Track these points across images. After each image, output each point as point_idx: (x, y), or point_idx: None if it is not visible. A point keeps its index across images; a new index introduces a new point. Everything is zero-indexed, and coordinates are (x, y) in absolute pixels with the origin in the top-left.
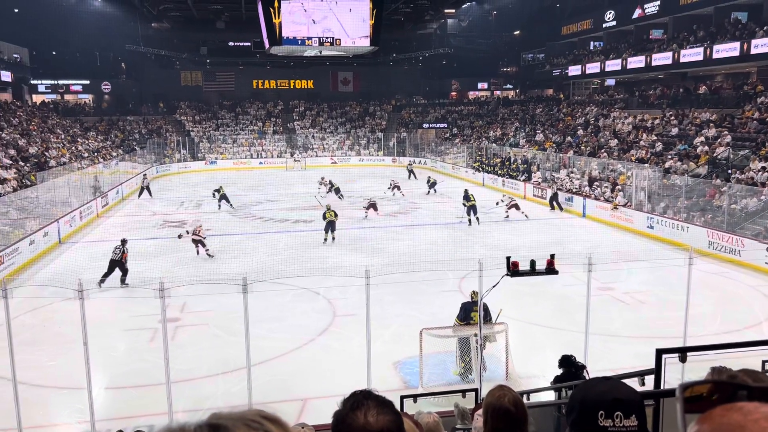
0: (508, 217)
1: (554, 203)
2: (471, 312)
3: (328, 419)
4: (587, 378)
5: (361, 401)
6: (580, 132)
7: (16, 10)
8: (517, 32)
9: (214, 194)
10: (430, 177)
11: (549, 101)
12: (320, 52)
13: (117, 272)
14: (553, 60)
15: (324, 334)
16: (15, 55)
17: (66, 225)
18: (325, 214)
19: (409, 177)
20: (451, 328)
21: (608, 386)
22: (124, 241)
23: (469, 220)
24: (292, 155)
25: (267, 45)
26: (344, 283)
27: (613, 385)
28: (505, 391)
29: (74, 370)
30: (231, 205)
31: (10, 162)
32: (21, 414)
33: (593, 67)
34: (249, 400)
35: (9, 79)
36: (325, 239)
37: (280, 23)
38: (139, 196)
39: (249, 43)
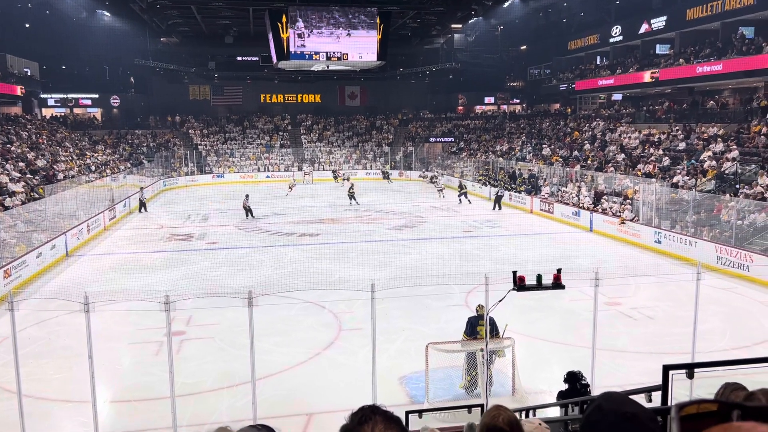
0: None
1: (498, 204)
2: (477, 326)
3: None
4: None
5: (368, 416)
6: (587, 146)
7: (27, 25)
8: (523, 47)
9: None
10: (461, 182)
11: (556, 116)
12: (327, 67)
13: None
14: (560, 74)
15: (330, 348)
16: (25, 69)
17: (73, 238)
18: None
19: (432, 180)
20: (458, 343)
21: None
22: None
23: (460, 200)
24: (300, 169)
25: (275, 59)
26: (350, 296)
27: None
28: (500, 411)
29: (79, 383)
30: (252, 216)
31: (19, 175)
32: (26, 427)
33: (600, 82)
34: (254, 414)
35: (19, 93)
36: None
37: (287, 38)
38: (139, 210)
39: (257, 58)
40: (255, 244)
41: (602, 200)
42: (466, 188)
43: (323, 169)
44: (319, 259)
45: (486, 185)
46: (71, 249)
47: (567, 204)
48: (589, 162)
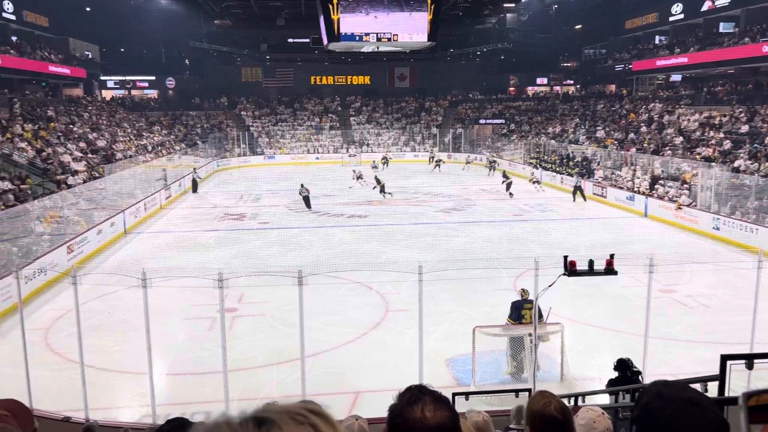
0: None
1: (578, 194)
2: (522, 310)
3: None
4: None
5: (417, 396)
6: (644, 129)
7: (88, 9)
8: (578, 26)
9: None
10: (505, 171)
11: (611, 97)
12: (377, 48)
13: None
14: (616, 55)
15: (376, 329)
16: (87, 52)
17: (131, 216)
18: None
19: (491, 170)
20: (504, 327)
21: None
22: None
23: (510, 194)
24: (347, 151)
25: (325, 41)
26: (397, 278)
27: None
28: (549, 398)
29: (137, 356)
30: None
31: (81, 155)
32: (88, 396)
33: (659, 62)
34: (302, 391)
35: (81, 76)
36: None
37: (338, 19)
38: (194, 190)
39: (308, 40)
40: (305, 224)
41: (658, 185)
42: (510, 178)
43: (371, 152)
44: (368, 240)
45: (537, 168)
46: (129, 226)
47: (621, 188)
48: (645, 145)
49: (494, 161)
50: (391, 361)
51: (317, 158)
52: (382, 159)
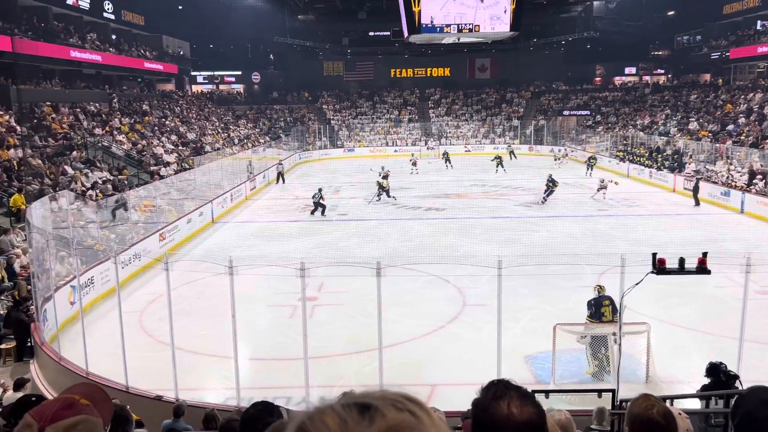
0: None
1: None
2: (602, 307)
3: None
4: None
5: (503, 391)
6: (742, 120)
7: (180, 8)
8: (671, 12)
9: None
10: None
11: (705, 87)
12: (458, 40)
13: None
14: (712, 42)
15: (453, 322)
16: (178, 49)
17: (218, 206)
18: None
19: (589, 168)
20: (586, 325)
21: None
22: (320, 189)
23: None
24: (425, 144)
25: (406, 33)
26: (475, 272)
27: None
28: (652, 401)
29: (222, 340)
30: (389, 195)
31: (172, 147)
32: (177, 377)
33: (760, 49)
34: (380, 380)
35: (173, 71)
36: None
37: (419, 11)
38: (277, 182)
39: (388, 33)
40: (383, 216)
41: (757, 179)
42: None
43: (450, 144)
44: (445, 233)
45: (624, 161)
46: (217, 216)
47: (715, 183)
48: (743, 137)
49: (594, 158)
50: (467, 355)
51: (395, 150)
52: (411, 159)
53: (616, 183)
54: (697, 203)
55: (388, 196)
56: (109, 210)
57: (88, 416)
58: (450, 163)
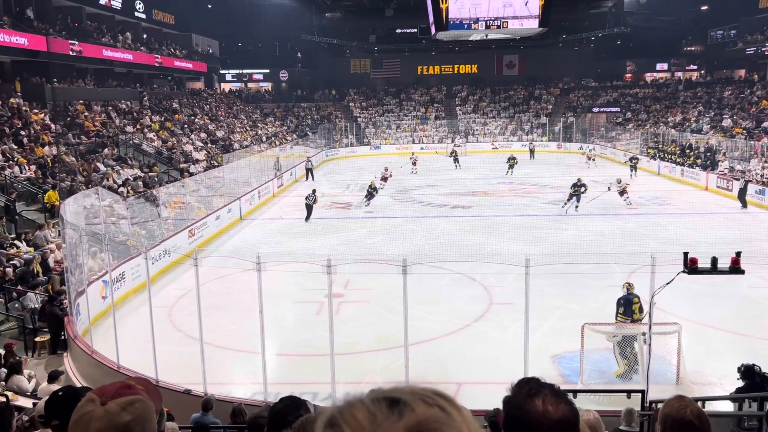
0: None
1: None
2: (632, 305)
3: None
4: None
5: (536, 389)
6: None
7: (210, 6)
8: (704, 7)
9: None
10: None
11: (740, 83)
12: (486, 36)
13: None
14: (747, 37)
15: (480, 321)
16: (207, 47)
17: (246, 203)
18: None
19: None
20: (615, 325)
21: None
22: (314, 190)
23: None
24: (452, 141)
25: (433, 30)
26: (502, 270)
27: None
28: (686, 402)
29: (250, 335)
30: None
31: (202, 144)
32: (206, 371)
33: None
34: (406, 378)
35: (202, 70)
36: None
37: (447, 8)
38: (306, 179)
39: (415, 30)
40: (408, 214)
41: None
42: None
43: (477, 141)
44: (471, 231)
45: (655, 159)
46: (245, 213)
47: (750, 181)
48: None
49: (636, 158)
50: (494, 354)
51: (422, 148)
52: (412, 158)
53: (626, 182)
54: (744, 205)
55: (370, 198)
56: (141, 206)
57: (145, 398)
58: (458, 163)
